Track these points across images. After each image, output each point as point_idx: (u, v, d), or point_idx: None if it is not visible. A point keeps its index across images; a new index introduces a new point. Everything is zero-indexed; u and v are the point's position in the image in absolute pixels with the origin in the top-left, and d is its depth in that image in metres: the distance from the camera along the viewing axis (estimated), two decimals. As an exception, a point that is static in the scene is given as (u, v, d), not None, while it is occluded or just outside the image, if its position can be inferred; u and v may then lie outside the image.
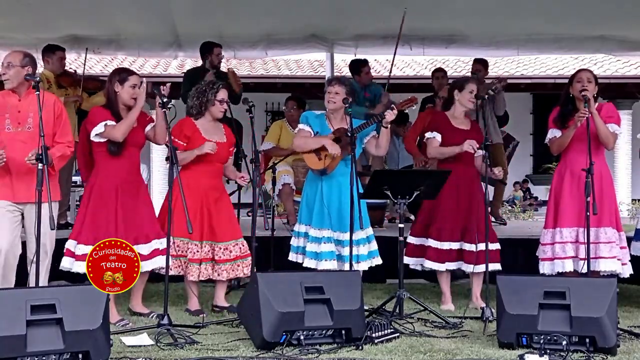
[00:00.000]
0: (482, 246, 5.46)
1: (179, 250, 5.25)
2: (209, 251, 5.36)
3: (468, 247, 5.58)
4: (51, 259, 4.98)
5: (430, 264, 5.66)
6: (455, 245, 5.61)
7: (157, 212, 5.37)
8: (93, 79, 7.98)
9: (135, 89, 5.09)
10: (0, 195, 4.85)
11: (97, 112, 5.14)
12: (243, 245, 5.40)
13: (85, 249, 4.89)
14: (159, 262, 5.13)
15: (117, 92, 5.10)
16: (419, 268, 5.78)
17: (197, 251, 5.34)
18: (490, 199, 5.27)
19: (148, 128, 5.22)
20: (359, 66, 8.17)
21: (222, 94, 5.46)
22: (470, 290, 5.84)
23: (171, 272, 5.13)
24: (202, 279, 5.37)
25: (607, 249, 5.32)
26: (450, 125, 5.70)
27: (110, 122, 5.02)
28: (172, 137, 5.24)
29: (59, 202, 7.57)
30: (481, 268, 5.46)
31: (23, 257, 4.97)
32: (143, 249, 5.03)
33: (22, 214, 4.91)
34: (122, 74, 5.16)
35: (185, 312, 5.44)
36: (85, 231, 5.03)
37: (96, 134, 5.03)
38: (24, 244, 4.98)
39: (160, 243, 5.15)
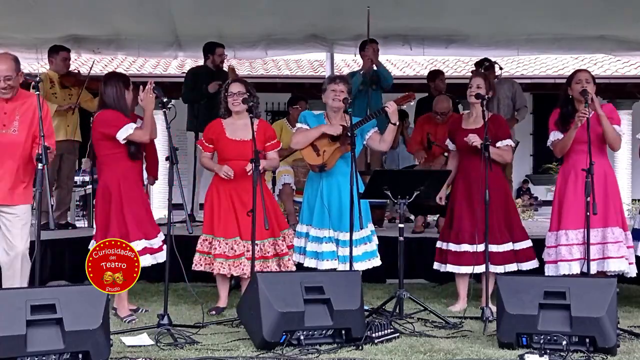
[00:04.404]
0: (510, 246, 5.50)
1: (206, 248, 5.46)
2: (232, 248, 5.38)
3: (494, 248, 5.45)
4: (29, 262, 4.88)
5: (450, 268, 5.64)
6: (480, 248, 5.45)
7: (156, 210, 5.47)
8: (98, 80, 7.98)
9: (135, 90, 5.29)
10: None
11: (113, 115, 5.19)
12: (263, 246, 5.43)
13: (139, 244, 5.10)
14: (152, 258, 5.29)
15: (125, 96, 5.25)
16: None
17: (219, 246, 5.37)
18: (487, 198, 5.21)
19: (138, 124, 5.32)
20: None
21: (233, 87, 5.50)
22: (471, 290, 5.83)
23: (199, 268, 5.43)
24: (223, 272, 5.39)
25: (615, 249, 5.29)
26: (459, 127, 5.71)
27: (134, 125, 5.17)
28: (202, 140, 5.59)
29: (61, 202, 7.65)
30: (507, 268, 5.46)
31: None
32: (155, 243, 5.28)
33: None
34: (124, 77, 5.36)
35: (187, 312, 5.50)
36: (121, 228, 5.13)
37: (124, 138, 5.13)
38: None
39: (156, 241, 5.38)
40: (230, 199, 5.44)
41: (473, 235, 5.50)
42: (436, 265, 5.77)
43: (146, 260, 5.13)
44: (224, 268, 5.37)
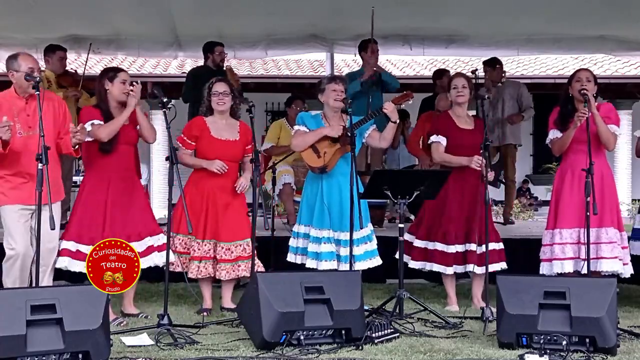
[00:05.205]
0: (485, 247, 5.48)
1: (184, 247, 5.39)
2: (210, 249, 5.38)
3: (473, 247, 5.53)
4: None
5: (437, 267, 5.64)
6: (460, 248, 5.58)
7: (155, 209, 5.42)
8: (95, 79, 7.98)
9: (126, 84, 5.16)
10: (13, 199, 4.87)
11: (86, 111, 5.23)
12: (248, 246, 5.35)
13: (66, 245, 5.01)
14: (153, 259, 5.20)
15: (107, 90, 5.18)
16: (426, 269, 5.74)
17: (199, 249, 5.36)
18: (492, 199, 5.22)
19: (139, 126, 5.27)
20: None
21: (217, 87, 5.47)
22: (470, 290, 5.84)
23: (177, 269, 5.31)
24: (200, 276, 5.37)
25: (608, 249, 5.31)
26: (454, 126, 5.67)
27: (97, 122, 5.08)
28: (183, 137, 5.46)
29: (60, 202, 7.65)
30: (483, 269, 5.44)
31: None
32: (136, 247, 5.00)
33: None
34: (109, 72, 5.26)
35: (187, 312, 5.48)
36: (71, 228, 5.10)
37: None
38: None
39: (155, 240, 5.24)
40: (207, 198, 5.39)
41: (459, 236, 5.57)
42: (419, 264, 5.72)
43: (75, 266, 4.96)
44: (201, 272, 5.34)
